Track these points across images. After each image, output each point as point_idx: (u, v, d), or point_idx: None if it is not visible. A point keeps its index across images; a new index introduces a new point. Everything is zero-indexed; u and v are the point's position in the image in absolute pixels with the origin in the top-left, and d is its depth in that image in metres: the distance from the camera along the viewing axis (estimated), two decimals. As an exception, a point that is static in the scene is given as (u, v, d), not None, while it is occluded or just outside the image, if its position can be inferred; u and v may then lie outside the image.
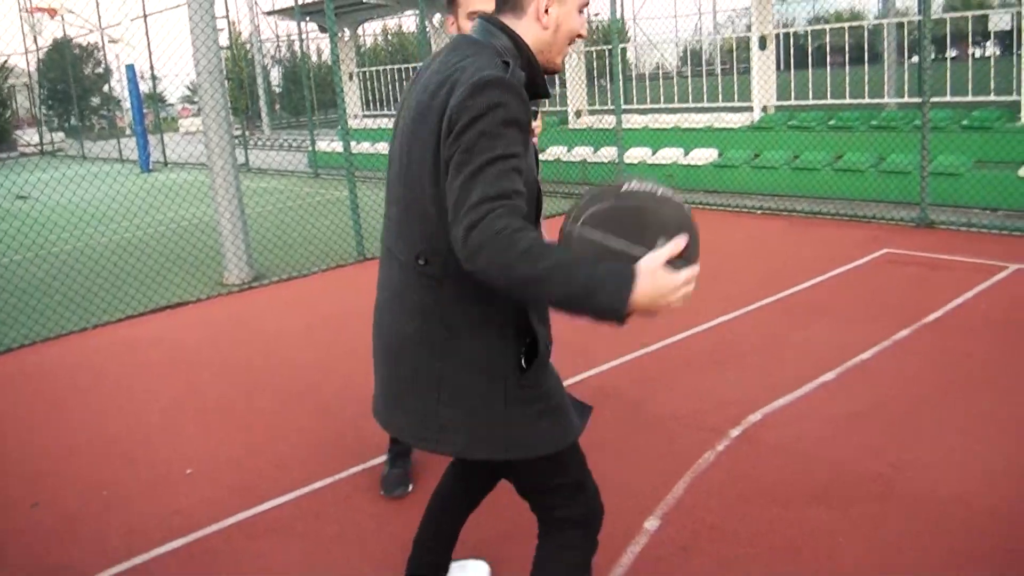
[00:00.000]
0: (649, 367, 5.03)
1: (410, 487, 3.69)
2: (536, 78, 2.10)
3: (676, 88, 14.37)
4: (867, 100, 11.79)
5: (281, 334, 6.37)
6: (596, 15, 31.74)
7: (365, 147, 16.43)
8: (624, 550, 3.15)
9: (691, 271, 1.90)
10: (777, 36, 12.32)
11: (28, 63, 34.76)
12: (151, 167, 20.80)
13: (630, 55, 31.18)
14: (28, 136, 33.99)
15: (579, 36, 2.16)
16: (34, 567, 3.39)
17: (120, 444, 4.56)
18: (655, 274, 1.81)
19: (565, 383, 2.38)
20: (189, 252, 9.23)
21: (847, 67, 11.49)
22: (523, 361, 2.08)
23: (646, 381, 4.81)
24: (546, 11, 2.07)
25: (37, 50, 33.58)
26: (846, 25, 12.44)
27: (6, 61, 34.29)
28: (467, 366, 2.05)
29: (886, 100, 13.34)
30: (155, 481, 4.06)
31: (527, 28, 2.08)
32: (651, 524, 3.31)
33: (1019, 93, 9.89)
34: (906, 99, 12.65)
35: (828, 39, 12.92)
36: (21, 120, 38.14)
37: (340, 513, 3.60)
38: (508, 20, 2.09)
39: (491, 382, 2.05)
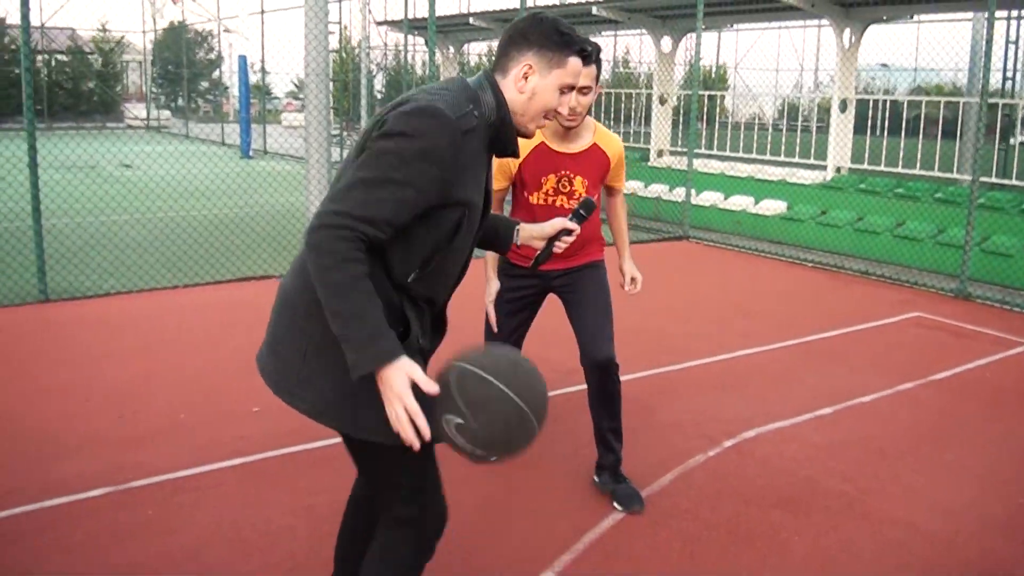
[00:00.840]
0: (669, 382, 5.59)
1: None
2: (505, 136, 2.28)
3: (769, 140, 14.79)
4: (936, 173, 12.12)
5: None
6: (701, 59, 32.27)
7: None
8: (598, 523, 3.73)
9: (413, 416, 1.98)
10: (860, 101, 12.74)
11: (144, 42, 36.49)
12: (251, 154, 21.91)
13: (728, 102, 31.62)
14: (136, 110, 35.73)
15: (556, 112, 2.34)
16: (117, 463, 4.10)
17: (198, 382, 5.30)
18: (399, 378, 1.98)
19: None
20: (279, 233, 10.05)
21: (920, 138, 11.85)
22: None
23: (662, 392, 5.38)
24: (524, 77, 2.26)
25: (155, 30, 35.26)
26: (923, 99, 12.82)
27: (123, 37, 36.13)
28: (329, 334, 2.07)
29: (955, 175, 13.63)
30: (226, 413, 4.77)
31: (508, 88, 2.27)
32: (634, 501, 3.89)
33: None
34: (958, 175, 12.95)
35: (905, 110, 13.28)
36: (130, 95, 39.94)
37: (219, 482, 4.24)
38: (498, 78, 2.29)
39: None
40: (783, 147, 14.36)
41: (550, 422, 2.19)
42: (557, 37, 2.27)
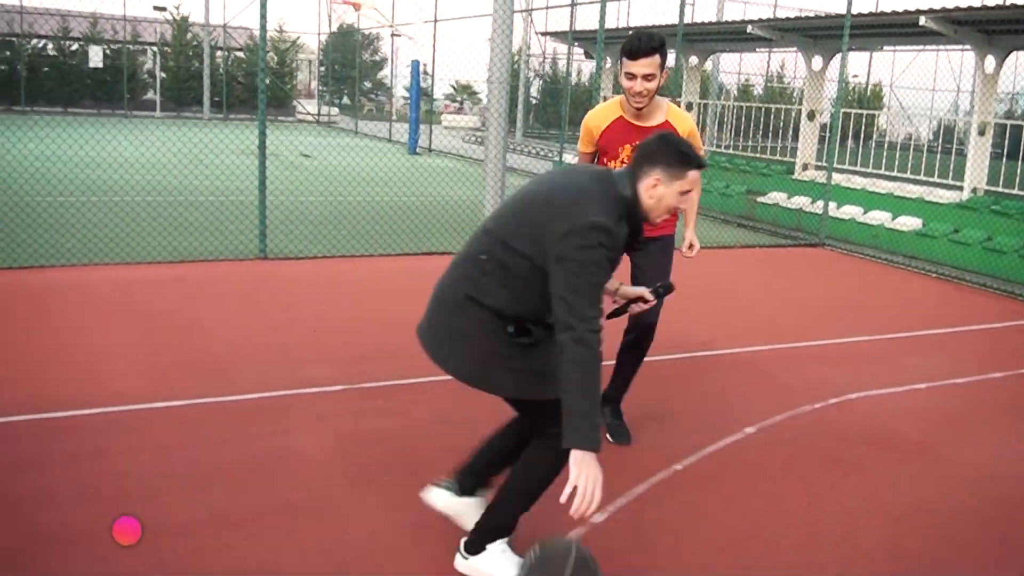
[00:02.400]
0: (787, 355, 6.57)
1: None
2: (635, 228, 3.03)
3: (912, 159, 15.30)
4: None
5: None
6: (855, 76, 32.54)
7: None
8: (717, 440, 4.79)
9: (595, 494, 2.71)
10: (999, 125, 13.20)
11: (319, 43, 38.84)
12: (417, 151, 23.55)
13: (882, 121, 31.67)
14: (307, 106, 38.22)
15: (678, 208, 3.14)
16: (347, 372, 5.38)
17: (393, 323, 6.58)
18: (596, 467, 2.73)
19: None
20: (451, 220, 11.38)
21: None
22: (511, 329, 3.00)
23: (780, 361, 6.37)
24: (654, 187, 2.99)
25: (328, 32, 37.52)
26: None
27: (298, 38, 38.61)
28: (473, 323, 3.00)
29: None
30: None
31: (642, 190, 3.00)
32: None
33: None
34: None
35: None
36: (299, 91, 42.49)
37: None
38: (637, 177, 3.00)
39: (489, 337, 3.00)
40: (923, 167, 14.86)
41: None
42: (678, 156, 2.99)
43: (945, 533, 3.93)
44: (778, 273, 10.36)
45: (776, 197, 14.77)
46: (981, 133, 12.85)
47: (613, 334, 3.95)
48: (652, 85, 4.28)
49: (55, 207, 10.23)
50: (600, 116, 4.57)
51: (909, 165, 14.80)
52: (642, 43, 4.17)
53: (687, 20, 16.00)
